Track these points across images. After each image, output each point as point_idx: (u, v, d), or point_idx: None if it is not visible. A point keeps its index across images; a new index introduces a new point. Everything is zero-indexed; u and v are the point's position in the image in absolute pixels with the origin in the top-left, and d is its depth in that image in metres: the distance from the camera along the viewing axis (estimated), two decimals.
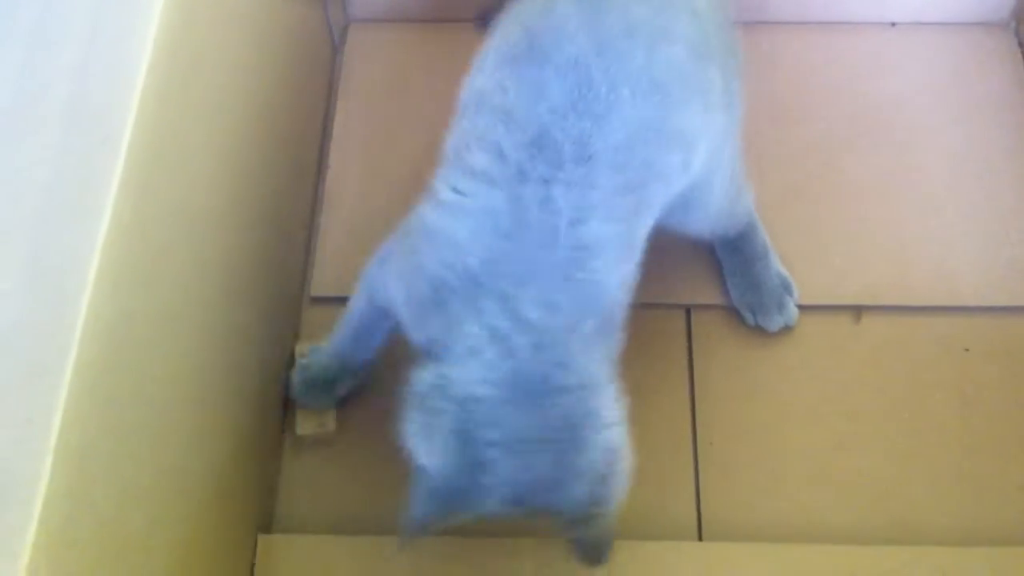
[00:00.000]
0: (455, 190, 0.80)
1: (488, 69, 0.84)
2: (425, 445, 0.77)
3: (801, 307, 1.05)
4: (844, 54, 1.21)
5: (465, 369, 0.77)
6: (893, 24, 1.24)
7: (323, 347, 0.99)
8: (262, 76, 0.99)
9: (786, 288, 1.05)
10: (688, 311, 1.06)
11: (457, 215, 0.79)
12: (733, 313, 1.05)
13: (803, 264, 1.07)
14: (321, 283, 1.08)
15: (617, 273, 0.80)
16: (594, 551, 0.78)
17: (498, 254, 0.77)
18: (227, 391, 0.88)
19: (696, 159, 0.83)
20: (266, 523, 0.95)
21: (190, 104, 0.81)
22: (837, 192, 1.12)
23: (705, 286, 1.06)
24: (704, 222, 0.96)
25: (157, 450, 0.74)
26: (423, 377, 0.78)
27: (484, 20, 1.21)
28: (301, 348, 1.02)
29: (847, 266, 1.08)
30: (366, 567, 0.87)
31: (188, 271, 0.80)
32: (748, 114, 1.01)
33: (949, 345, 1.04)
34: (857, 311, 1.06)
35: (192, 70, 0.80)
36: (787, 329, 1.04)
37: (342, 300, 1.05)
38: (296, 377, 1.00)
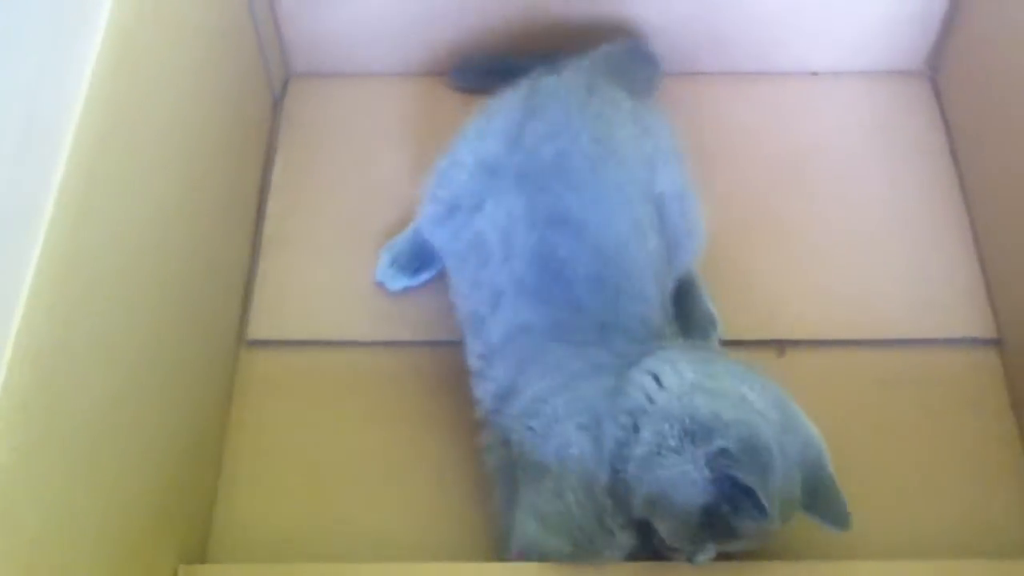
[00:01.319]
0: None
1: None
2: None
3: (727, 342, 1.08)
4: (768, 102, 1.26)
5: None
6: (814, 73, 1.28)
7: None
8: (201, 125, 1.02)
9: (711, 323, 1.08)
10: None
11: None
12: None
13: (729, 302, 1.10)
14: (258, 327, 1.10)
15: None
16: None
17: None
18: (158, 425, 0.89)
19: None
20: (198, 555, 0.96)
21: (126, 145, 0.83)
22: (761, 233, 1.16)
23: None
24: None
25: (83, 479, 0.75)
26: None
27: (462, 76, 1.25)
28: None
29: (771, 303, 1.11)
30: None
31: (121, 305, 0.82)
32: None
33: (869, 377, 1.07)
34: (781, 346, 1.09)
35: (129, 111, 0.83)
36: None
37: (278, 343, 1.08)
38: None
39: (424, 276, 1.10)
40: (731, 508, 0.80)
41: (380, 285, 1.12)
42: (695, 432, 0.81)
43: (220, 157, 1.08)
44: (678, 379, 0.85)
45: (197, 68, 1.02)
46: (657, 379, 0.85)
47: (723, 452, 0.79)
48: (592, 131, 0.98)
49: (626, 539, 0.85)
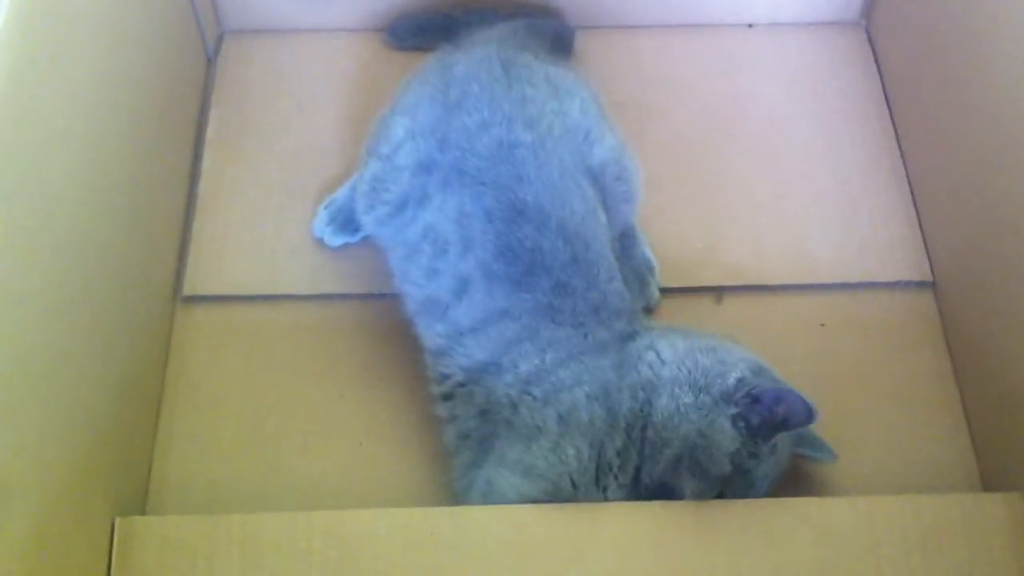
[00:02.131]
0: None
1: None
2: None
3: (664, 290, 1.08)
4: (704, 55, 1.26)
5: None
6: (750, 25, 1.29)
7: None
8: (131, 84, 1.01)
9: (649, 269, 1.08)
10: None
11: None
12: None
13: (667, 251, 1.11)
14: (193, 283, 1.09)
15: None
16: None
17: None
18: (92, 380, 0.89)
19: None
20: (137, 508, 0.96)
21: (49, 102, 0.82)
22: (698, 183, 1.17)
23: None
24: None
25: (15, 432, 0.74)
26: None
27: (398, 33, 1.24)
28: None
29: (709, 251, 1.12)
30: (230, 546, 0.87)
31: (52, 262, 0.81)
32: (613, 113, 1.06)
33: (806, 321, 1.08)
34: (719, 293, 1.10)
35: (50, 68, 0.82)
36: (648, 310, 1.07)
37: (214, 299, 1.07)
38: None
39: (362, 233, 1.09)
40: (763, 434, 0.87)
41: (318, 241, 1.11)
42: (705, 383, 0.88)
43: (152, 115, 1.06)
44: (673, 350, 0.91)
45: (125, 26, 1.00)
46: (658, 354, 0.91)
47: (740, 381, 0.87)
48: (522, 116, 0.97)
49: (614, 496, 0.89)
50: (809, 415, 0.85)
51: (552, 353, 0.92)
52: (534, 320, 0.93)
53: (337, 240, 1.11)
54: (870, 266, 1.11)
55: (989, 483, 0.99)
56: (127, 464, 0.95)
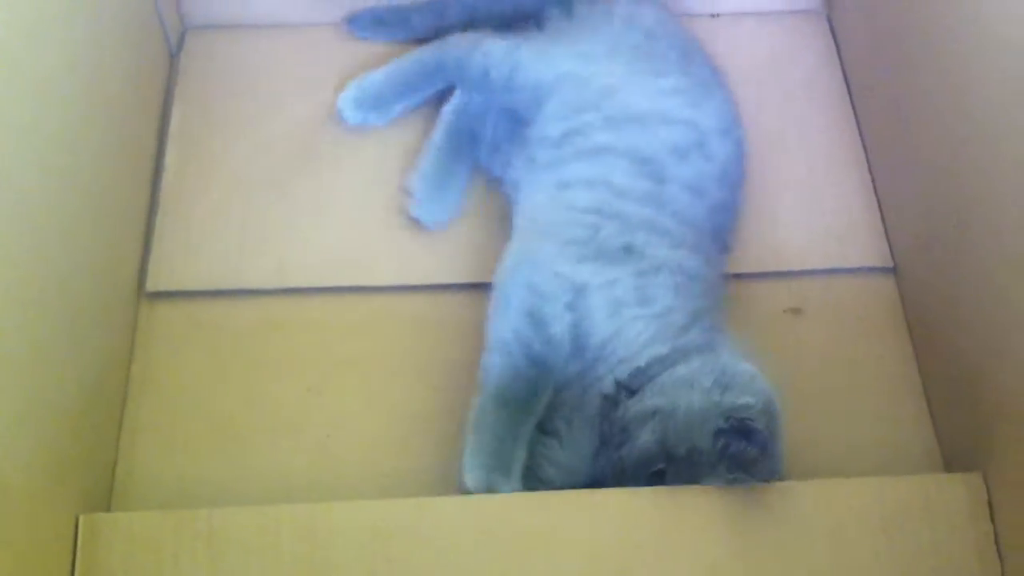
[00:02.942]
0: None
1: None
2: None
3: None
4: None
5: None
6: (715, 15, 1.29)
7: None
8: (93, 80, 1.00)
9: None
10: None
11: None
12: None
13: None
14: (157, 279, 1.09)
15: None
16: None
17: None
18: (55, 376, 0.88)
19: None
20: (102, 504, 0.96)
21: (9, 97, 0.82)
22: None
23: None
24: None
25: None
26: None
27: (358, 24, 1.24)
28: None
29: None
30: (196, 541, 0.87)
31: (14, 257, 0.81)
32: None
33: (769, 307, 1.10)
34: None
35: (12, 65, 0.82)
36: None
37: (179, 294, 1.07)
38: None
39: (389, 116, 1.16)
40: (726, 463, 0.87)
41: (338, 113, 1.16)
42: (727, 384, 0.89)
43: (115, 111, 1.06)
44: (735, 343, 0.95)
45: (88, 23, 1.00)
46: (725, 337, 0.95)
47: (746, 407, 0.87)
48: None
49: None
50: (767, 479, 0.87)
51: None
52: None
53: (356, 117, 1.16)
54: (832, 252, 1.12)
55: (951, 464, 1.01)
56: (92, 461, 0.95)
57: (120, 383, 1.03)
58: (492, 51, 1.12)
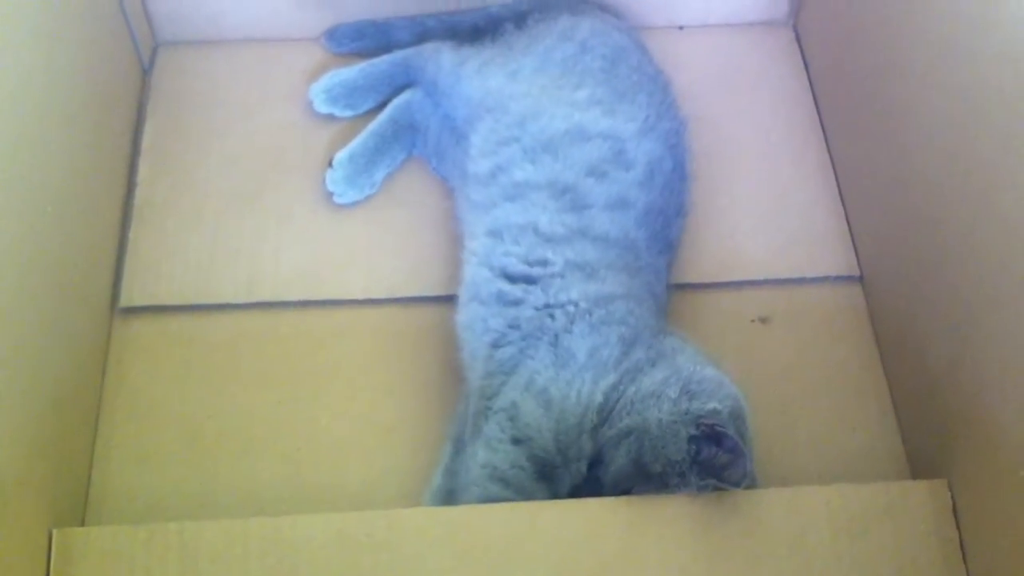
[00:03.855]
0: None
1: None
2: None
3: None
4: None
5: None
6: (681, 28, 1.31)
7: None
8: (66, 95, 1.02)
9: None
10: None
11: None
12: None
13: None
14: (130, 293, 1.09)
15: None
16: None
17: None
18: (27, 392, 0.89)
19: None
20: (76, 519, 0.97)
21: None
22: None
23: None
24: None
25: None
26: None
27: (335, 39, 1.25)
28: None
29: None
30: (168, 555, 0.88)
31: None
32: None
33: (736, 316, 1.11)
34: None
35: None
36: None
37: (151, 309, 1.08)
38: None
39: (355, 112, 1.20)
40: (697, 470, 0.88)
41: (309, 102, 1.19)
42: (694, 392, 0.90)
43: (87, 126, 1.07)
44: (694, 350, 0.96)
45: (59, 39, 1.01)
46: (683, 343, 0.96)
47: (715, 412, 0.88)
48: None
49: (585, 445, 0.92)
50: (739, 482, 0.87)
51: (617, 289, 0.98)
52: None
53: (324, 107, 1.20)
54: (799, 261, 1.13)
55: (917, 470, 1.02)
56: (65, 475, 0.96)
57: (93, 397, 1.03)
58: (443, 61, 1.15)
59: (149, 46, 1.26)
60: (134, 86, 1.23)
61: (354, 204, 1.15)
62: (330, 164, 1.14)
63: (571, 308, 0.96)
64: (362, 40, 1.26)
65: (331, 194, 1.14)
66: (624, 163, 1.03)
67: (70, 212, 1.01)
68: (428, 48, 1.19)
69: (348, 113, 1.20)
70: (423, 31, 1.25)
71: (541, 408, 0.92)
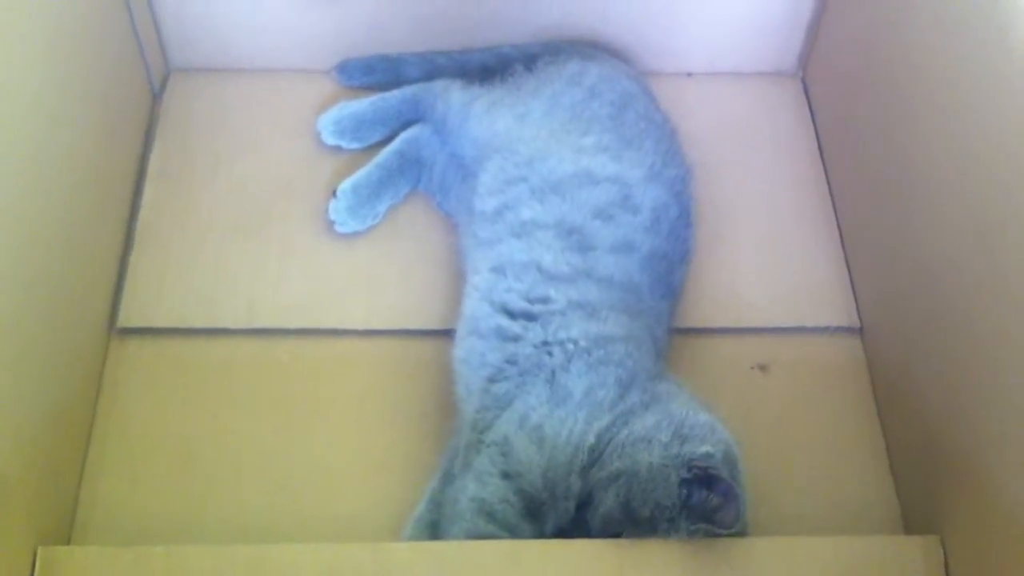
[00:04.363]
0: None
1: None
2: None
3: None
4: None
5: None
6: (689, 74, 1.32)
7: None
8: (75, 115, 1.02)
9: None
10: None
11: None
12: None
13: None
14: (129, 315, 1.09)
15: None
16: None
17: None
18: (19, 408, 0.89)
19: None
20: (63, 538, 0.96)
21: None
22: None
23: None
24: None
25: None
26: None
27: (346, 72, 1.26)
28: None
29: None
30: None
31: None
32: None
33: (735, 363, 1.10)
34: None
35: None
36: None
37: (149, 331, 1.08)
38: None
39: (362, 145, 1.21)
40: (688, 514, 0.87)
41: (317, 133, 1.20)
42: (685, 436, 0.89)
43: (95, 147, 1.08)
44: (687, 395, 0.95)
45: (71, 59, 1.02)
46: (677, 388, 0.96)
47: (707, 456, 0.88)
48: None
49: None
50: (732, 525, 0.86)
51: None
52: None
53: (332, 139, 1.20)
54: (800, 311, 1.13)
55: (911, 526, 1.01)
56: (53, 492, 0.95)
57: (86, 416, 1.03)
58: (452, 99, 1.16)
59: (161, 71, 1.27)
60: (144, 110, 1.24)
61: (355, 234, 1.15)
62: (334, 193, 1.14)
63: (570, 346, 0.96)
64: (372, 75, 1.27)
65: (333, 223, 1.14)
66: (631, 208, 1.03)
67: (74, 230, 1.02)
68: (438, 85, 1.20)
69: (355, 145, 1.21)
70: (433, 68, 1.25)
71: (533, 445, 0.92)
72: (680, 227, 1.08)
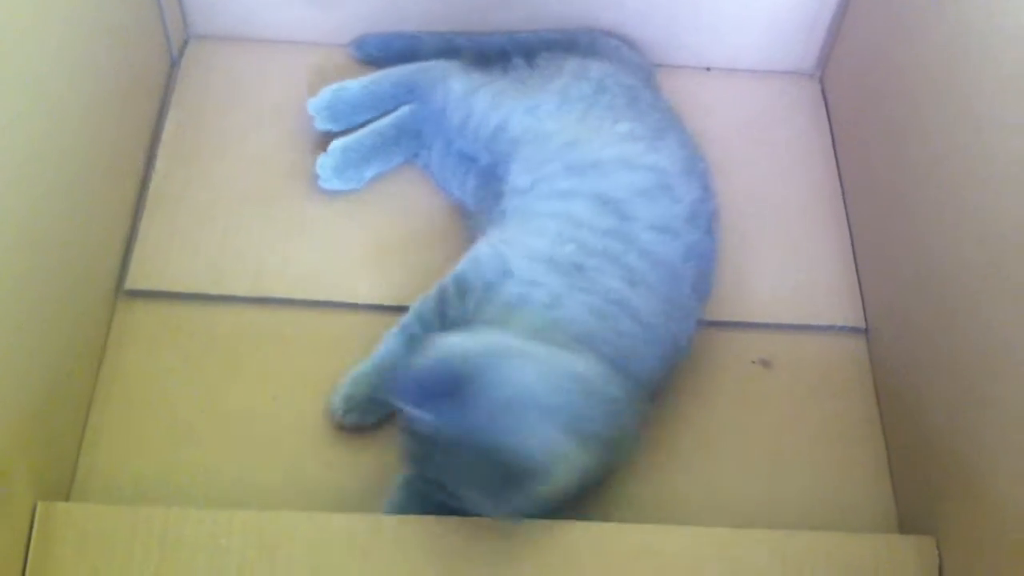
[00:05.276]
0: None
1: None
2: None
3: None
4: (664, 94, 1.28)
5: None
6: (708, 69, 1.32)
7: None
8: (92, 78, 1.02)
9: None
10: None
11: None
12: None
13: None
14: (136, 277, 1.10)
15: None
16: None
17: None
18: (23, 363, 0.89)
19: None
20: (62, 495, 0.96)
21: (8, 85, 0.84)
22: None
23: None
24: None
25: None
26: None
27: (363, 47, 1.26)
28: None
29: None
30: (150, 539, 0.87)
31: None
32: None
33: (739, 357, 1.10)
34: None
35: (11, 52, 0.84)
36: None
37: (156, 295, 1.08)
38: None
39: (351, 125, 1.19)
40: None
41: (310, 118, 1.18)
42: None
43: (110, 111, 1.08)
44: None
45: (90, 22, 1.02)
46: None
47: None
48: None
49: None
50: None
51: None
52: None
53: (325, 124, 1.18)
54: (806, 309, 1.13)
55: (906, 526, 1.01)
56: (54, 451, 0.96)
57: (90, 377, 1.03)
58: (453, 90, 1.15)
59: (180, 38, 1.27)
60: (161, 76, 1.24)
61: (336, 192, 1.16)
62: (326, 149, 1.15)
63: (601, 286, 0.96)
64: (389, 51, 1.27)
65: (317, 176, 1.15)
66: (672, 197, 1.03)
67: (86, 191, 1.02)
68: (436, 70, 1.19)
69: (344, 126, 1.20)
70: (451, 48, 1.25)
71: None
72: (714, 223, 1.07)
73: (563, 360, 0.89)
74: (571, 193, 1.02)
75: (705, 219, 1.05)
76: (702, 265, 1.04)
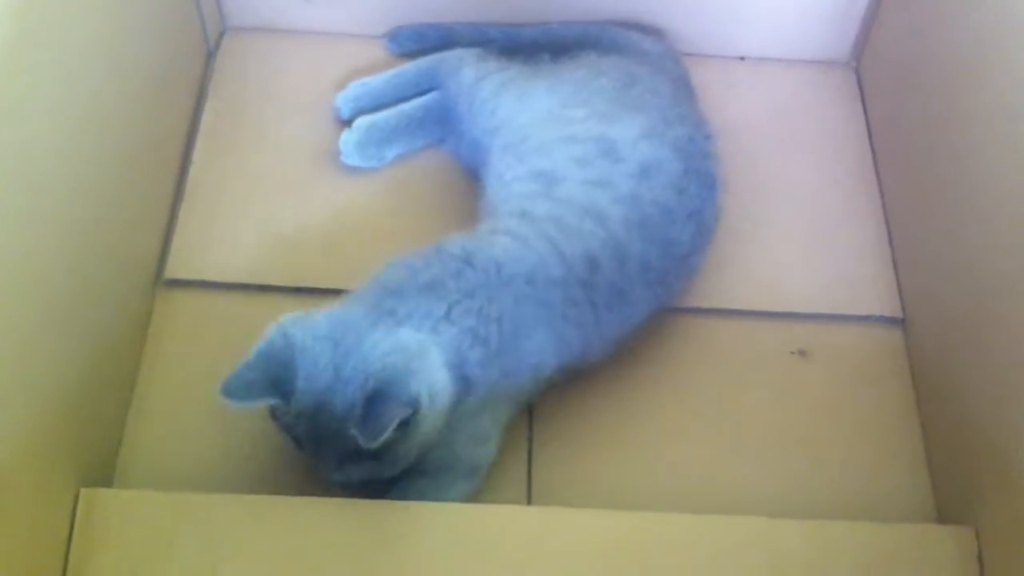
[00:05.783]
0: None
1: None
2: None
3: None
4: (697, 83, 1.27)
5: None
6: (742, 58, 1.31)
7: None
8: (130, 69, 1.03)
9: None
10: None
11: None
12: None
13: None
14: (175, 267, 1.11)
15: None
16: None
17: None
18: (65, 353, 0.90)
19: None
20: (104, 483, 0.97)
21: (48, 77, 0.85)
22: None
23: None
24: None
25: None
26: None
27: (398, 40, 1.27)
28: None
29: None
30: (190, 524, 0.88)
31: (35, 234, 0.84)
32: None
33: (775, 347, 1.10)
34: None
35: (50, 44, 0.85)
36: None
37: (195, 283, 1.09)
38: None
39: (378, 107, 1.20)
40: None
41: (335, 110, 1.20)
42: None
43: (148, 101, 1.09)
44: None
45: (129, 13, 1.03)
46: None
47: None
48: None
49: None
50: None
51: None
52: None
53: (350, 112, 1.20)
54: (843, 299, 1.13)
55: (944, 516, 1.01)
56: (97, 437, 0.97)
57: (131, 365, 1.04)
58: (464, 77, 1.17)
59: (217, 29, 1.28)
60: (198, 67, 1.25)
61: (357, 169, 1.18)
62: (350, 124, 1.17)
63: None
64: (423, 43, 1.27)
65: (340, 152, 1.17)
66: (613, 158, 1.03)
67: (126, 182, 1.03)
68: (452, 59, 1.21)
69: None
70: (484, 40, 1.25)
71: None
72: (687, 183, 1.05)
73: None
74: (514, 179, 1.05)
75: (664, 176, 1.04)
76: (651, 214, 1.02)
